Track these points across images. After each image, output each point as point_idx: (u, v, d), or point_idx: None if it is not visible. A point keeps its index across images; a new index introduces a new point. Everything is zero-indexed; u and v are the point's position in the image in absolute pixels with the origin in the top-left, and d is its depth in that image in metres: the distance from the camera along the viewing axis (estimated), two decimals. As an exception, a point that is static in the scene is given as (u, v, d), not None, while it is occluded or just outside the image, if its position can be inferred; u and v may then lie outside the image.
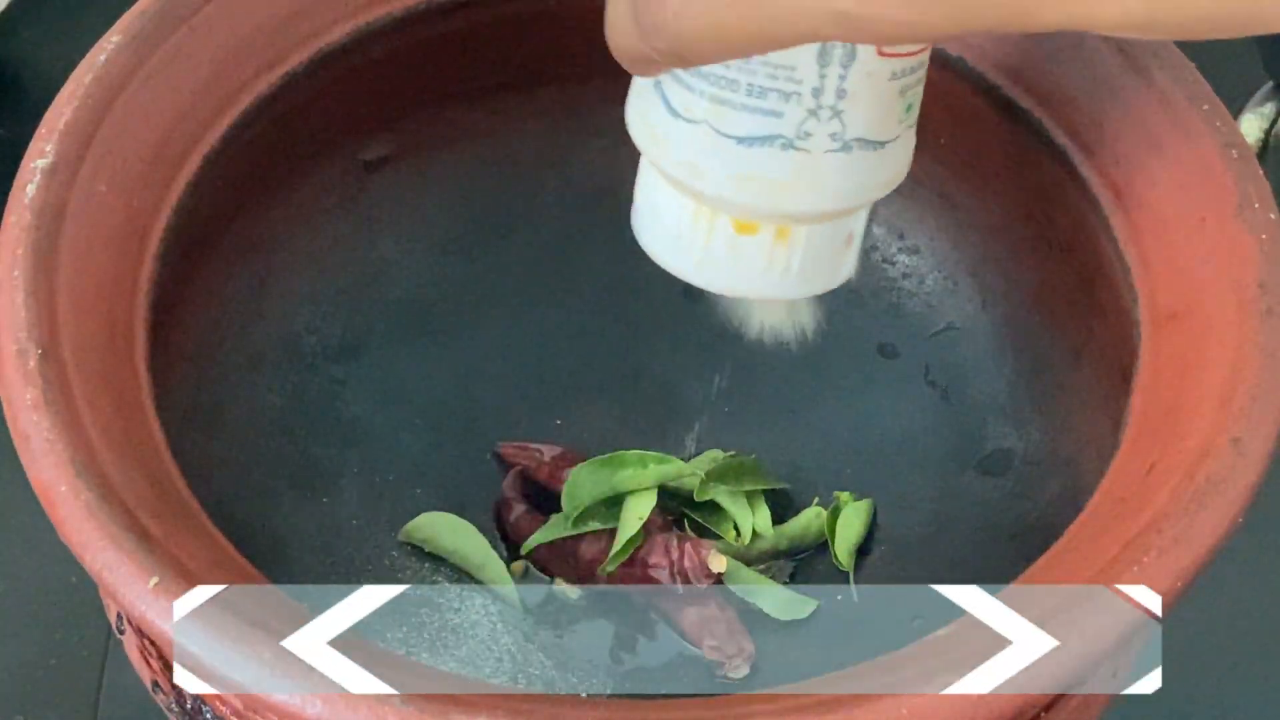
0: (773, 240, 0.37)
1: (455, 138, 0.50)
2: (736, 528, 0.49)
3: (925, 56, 0.35)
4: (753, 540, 0.49)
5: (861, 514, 0.48)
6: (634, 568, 0.47)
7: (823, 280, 0.38)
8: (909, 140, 0.37)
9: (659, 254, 0.39)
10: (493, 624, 0.47)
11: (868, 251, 0.51)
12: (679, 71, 0.35)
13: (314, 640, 0.32)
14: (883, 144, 0.35)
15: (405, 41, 0.46)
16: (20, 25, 0.66)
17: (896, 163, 0.37)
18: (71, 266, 0.37)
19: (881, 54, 0.34)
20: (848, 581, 0.48)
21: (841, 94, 0.34)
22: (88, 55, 0.40)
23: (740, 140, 0.35)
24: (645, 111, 0.37)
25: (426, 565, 0.48)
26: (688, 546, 0.47)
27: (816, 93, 0.34)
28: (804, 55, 0.34)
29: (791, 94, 0.34)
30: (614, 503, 0.48)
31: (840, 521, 0.48)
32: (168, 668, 0.38)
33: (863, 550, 0.48)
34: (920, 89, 0.36)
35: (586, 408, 0.51)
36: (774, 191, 0.35)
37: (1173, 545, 0.33)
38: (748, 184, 0.35)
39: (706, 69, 0.34)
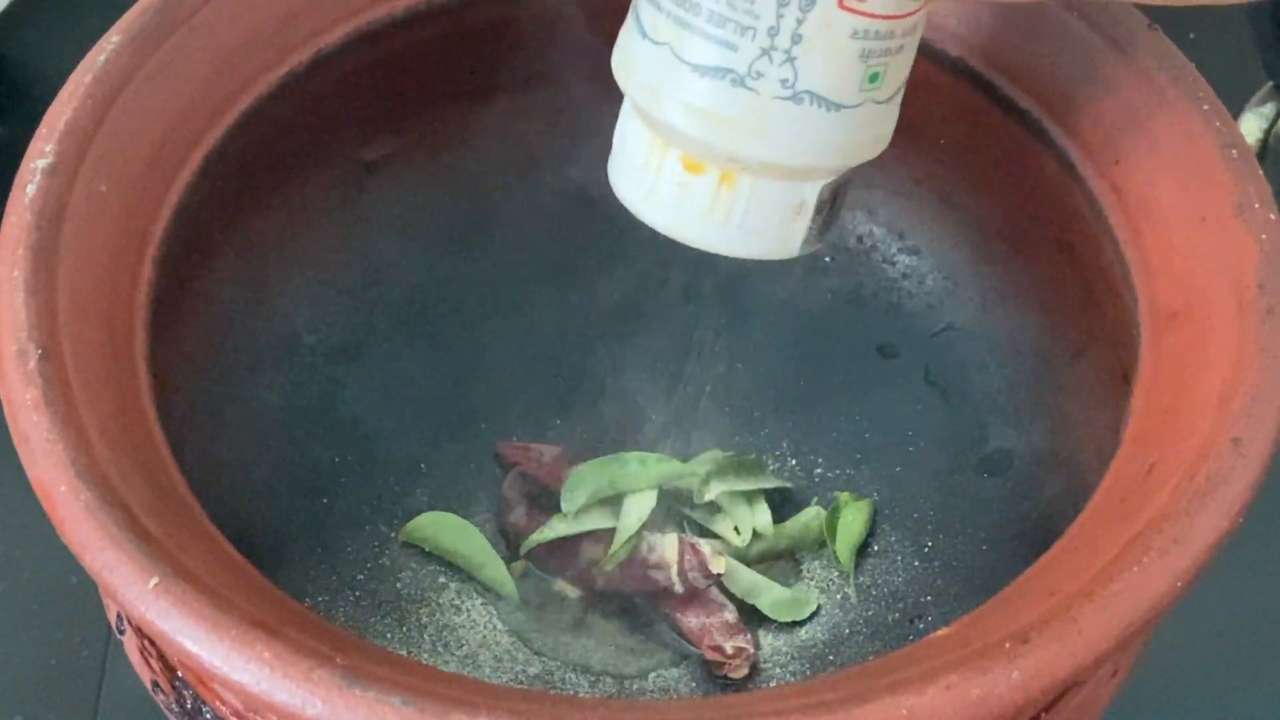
0: (717, 183, 0.36)
1: (455, 138, 0.50)
2: (736, 528, 0.49)
3: (897, 27, 0.35)
4: (753, 540, 0.49)
5: (861, 514, 0.49)
6: (634, 568, 0.47)
7: (765, 243, 0.38)
8: (875, 115, 0.36)
9: (617, 183, 0.39)
10: (493, 624, 0.47)
11: (868, 251, 0.51)
12: None
13: (313, 640, 0.32)
14: (838, 106, 0.35)
15: (405, 41, 0.46)
16: (20, 25, 0.66)
17: (855, 133, 0.36)
18: (71, 266, 0.37)
19: (843, 6, 0.34)
20: (848, 581, 0.48)
21: (797, 39, 0.34)
22: (88, 55, 0.40)
23: (695, 68, 0.35)
24: (624, 41, 0.37)
25: (426, 565, 0.48)
26: (688, 546, 0.47)
27: (772, 32, 0.34)
28: None
29: (748, 29, 0.34)
30: (614, 503, 0.48)
31: (840, 521, 0.48)
32: (168, 668, 0.38)
33: (863, 550, 0.49)
34: (892, 63, 0.36)
35: (586, 408, 0.51)
36: (719, 127, 0.35)
37: (1173, 545, 0.33)
38: (696, 116, 0.35)
39: None
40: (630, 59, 0.36)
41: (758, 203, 0.37)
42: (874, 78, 0.35)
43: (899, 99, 0.37)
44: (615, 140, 0.39)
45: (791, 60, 0.34)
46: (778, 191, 0.37)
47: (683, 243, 0.38)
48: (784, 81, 0.34)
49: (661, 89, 0.36)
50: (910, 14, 0.35)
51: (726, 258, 0.38)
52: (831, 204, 0.38)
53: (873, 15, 0.34)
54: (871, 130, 0.36)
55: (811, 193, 0.37)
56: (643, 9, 0.36)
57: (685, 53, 0.35)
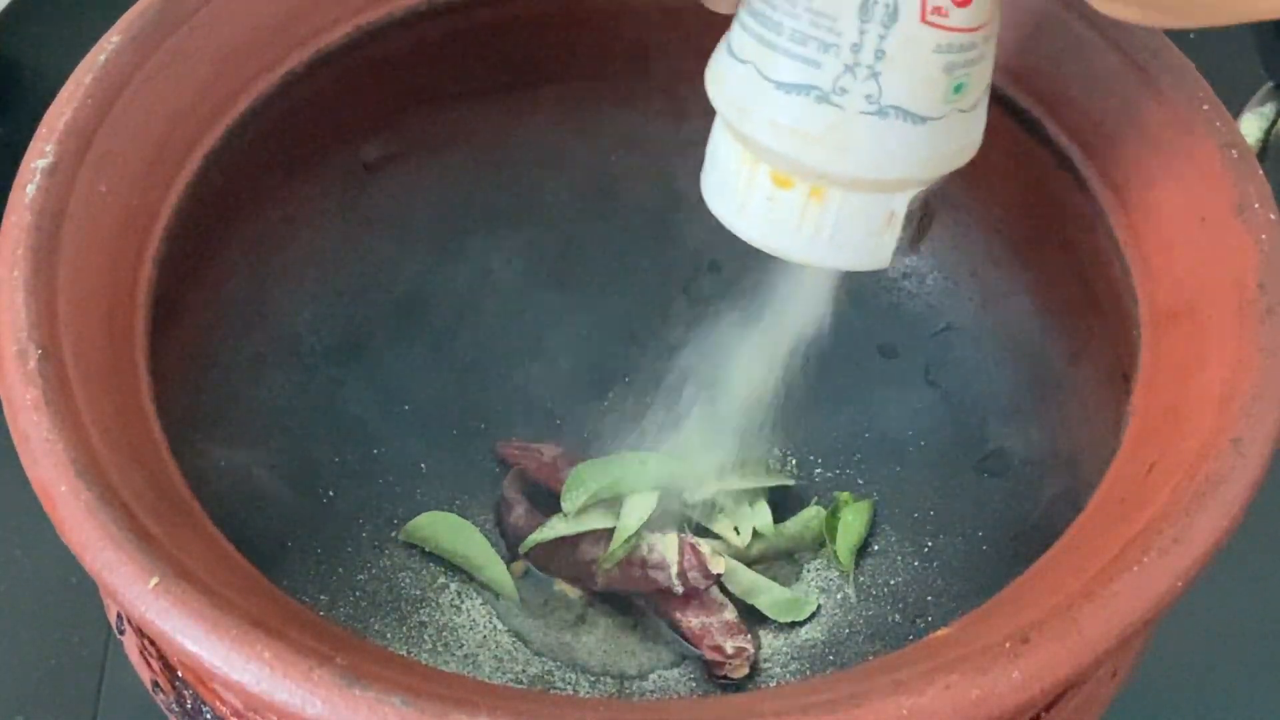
0: (806, 198, 0.36)
1: (455, 138, 0.50)
2: (736, 528, 0.49)
3: (978, 37, 0.35)
4: (753, 540, 0.49)
5: (861, 514, 0.49)
6: (634, 568, 0.47)
7: (855, 254, 0.38)
8: (962, 125, 0.36)
9: (709, 198, 0.39)
10: (493, 624, 0.47)
11: (868, 251, 0.51)
12: (740, 11, 0.36)
13: (313, 640, 0.32)
14: (923, 119, 0.35)
15: (405, 41, 0.46)
16: (20, 25, 0.66)
17: (942, 144, 0.36)
18: (71, 266, 0.37)
19: (925, 21, 0.34)
20: (848, 581, 0.48)
21: (880, 55, 0.34)
22: (88, 55, 0.40)
23: (779, 85, 0.35)
24: (715, 57, 0.37)
25: (426, 565, 0.48)
26: (688, 546, 0.47)
27: (855, 49, 0.34)
28: (845, 7, 0.34)
29: (831, 45, 0.34)
30: (614, 503, 0.48)
31: (840, 521, 0.48)
32: (168, 668, 0.38)
33: (863, 550, 0.49)
34: (976, 73, 0.36)
35: (586, 408, 0.51)
36: (805, 144, 0.35)
37: (1173, 545, 0.33)
38: (782, 133, 0.35)
39: (757, 7, 0.35)
40: (720, 75, 0.37)
41: (847, 216, 0.37)
42: (959, 88, 0.35)
43: (984, 104, 0.37)
44: (708, 155, 0.39)
45: (875, 76, 0.34)
46: (867, 205, 0.37)
47: (776, 256, 0.38)
48: (869, 97, 0.34)
49: (748, 106, 0.36)
50: (989, 23, 0.35)
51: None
52: (923, 213, 0.38)
53: (955, 29, 0.34)
54: (958, 139, 0.36)
55: (901, 204, 0.37)
56: (733, 27, 0.36)
57: (769, 70, 0.35)
